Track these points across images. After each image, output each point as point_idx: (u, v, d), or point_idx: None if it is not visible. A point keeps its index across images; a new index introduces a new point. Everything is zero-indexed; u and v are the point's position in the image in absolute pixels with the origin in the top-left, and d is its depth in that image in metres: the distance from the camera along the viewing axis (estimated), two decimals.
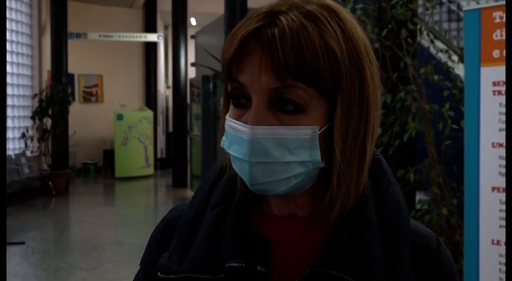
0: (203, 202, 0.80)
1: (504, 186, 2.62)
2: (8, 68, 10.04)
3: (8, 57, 10.05)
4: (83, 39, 12.68)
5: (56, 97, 10.41)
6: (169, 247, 0.79)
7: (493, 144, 2.71)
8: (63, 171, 10.79)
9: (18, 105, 10.79)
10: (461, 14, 4.78)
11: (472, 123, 2.79)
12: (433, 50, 4.16)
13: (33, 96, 10.77)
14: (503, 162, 2.64)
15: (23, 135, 10.13)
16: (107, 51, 14.02)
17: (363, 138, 0.71)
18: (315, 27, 0.67)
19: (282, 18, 0.68)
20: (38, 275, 5.75)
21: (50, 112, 10.46)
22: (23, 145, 10.24)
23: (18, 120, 10.72)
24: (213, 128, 9.61)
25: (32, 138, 10.33)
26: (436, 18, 5.90)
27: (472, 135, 2.78)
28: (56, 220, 8.80)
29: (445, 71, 3.92)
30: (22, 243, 6.77)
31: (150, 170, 13.70)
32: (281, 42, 0.66)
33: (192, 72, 12.83)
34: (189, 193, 10.52)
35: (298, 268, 0.72)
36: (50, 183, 10.42)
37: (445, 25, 6.73)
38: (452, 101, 3.66)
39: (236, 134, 0.70)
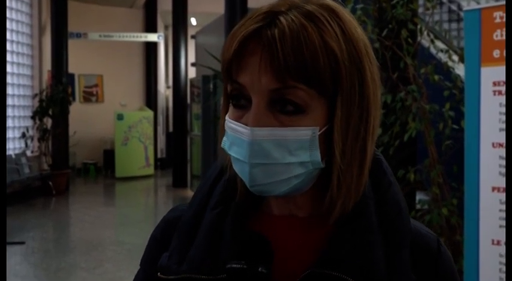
0: (203, 202, 0.80)
1: (504, 186, 2.62)
2: (9, 68, 10.05)
3: (8, 57, 10.05)
4: (83, 39, 12.68)
5: (56, 97, 10.41)
6: (169, 247, 0.79)
7: (493, 144, 2.71)
8: (63, 171, 10.79)
9: (19, 105, 10.79)
10: (462, 14, 4.78)
11: (472, 123, 2.79)
12: (433, 50, 4.16)
13: (34, 96, 10.77)
14: (503, 162, 2.64)
15: (23, 135, 10.13)
16: (107, 51, 14.02)
17: (363, 138, 0.71)
18: (315, 27, 0.67)
19: (281, 18, 0.67)
20: (38, 275, 5.75)
21: (50, 112, 10.46)
22: (23, 145, 10.24)
23: (18, 120, 10.72)
24: (213, 128, 9.60)
25: (32, 138, 10.33)
26: (437, 18, 5.90)
27: (472, 135, 2.78)
28: (56, 220, 8.80)
29: (446, 71, 3.92)
30: (22, 243, 6.77)
31: (150, 170, 13.70)
32: (281, 42, 0.66)
33: (192, 72, 12.82)
34: (189, 193, 10.51)
35: (298, 269, 0.72)
36: (50, 183, 10.42)
37: (446, 25, 6.72)
38: (453, 101, 3.66)
39: (236, 135, 0.70)
